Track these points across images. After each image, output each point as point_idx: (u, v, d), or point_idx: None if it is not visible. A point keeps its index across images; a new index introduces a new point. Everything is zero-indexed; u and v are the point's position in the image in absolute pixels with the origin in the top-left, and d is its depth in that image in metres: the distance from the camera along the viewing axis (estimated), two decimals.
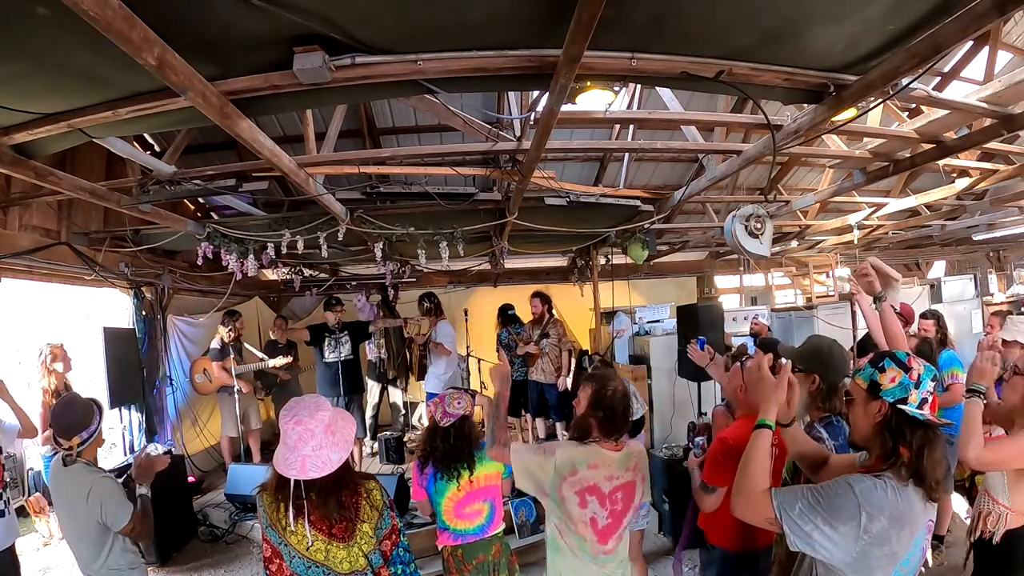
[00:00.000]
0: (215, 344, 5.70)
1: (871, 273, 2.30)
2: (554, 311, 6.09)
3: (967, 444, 2.09)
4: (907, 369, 1.48)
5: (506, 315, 6.14)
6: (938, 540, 3.76)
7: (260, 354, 5.93)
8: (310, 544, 1.63)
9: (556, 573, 2.13)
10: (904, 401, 1.44)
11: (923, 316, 4.37)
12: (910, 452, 1.42)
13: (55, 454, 2.42)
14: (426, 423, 6.29)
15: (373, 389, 6.57)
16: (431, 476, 2.56)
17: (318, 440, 1.62)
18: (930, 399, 1.46)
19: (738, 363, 2.60)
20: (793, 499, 1.46)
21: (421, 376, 6.10)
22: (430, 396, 6.04)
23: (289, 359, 5.82)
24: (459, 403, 2.58)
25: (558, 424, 5.74)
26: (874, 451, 1.53)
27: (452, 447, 2.52)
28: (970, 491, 3.19)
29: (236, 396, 5.56)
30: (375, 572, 1.72)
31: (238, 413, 5.59)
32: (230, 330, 5.64)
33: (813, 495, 1.44)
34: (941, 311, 6.67)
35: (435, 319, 5.97)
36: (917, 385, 1.45)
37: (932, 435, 1.44)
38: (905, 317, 4.20)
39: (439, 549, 2.65)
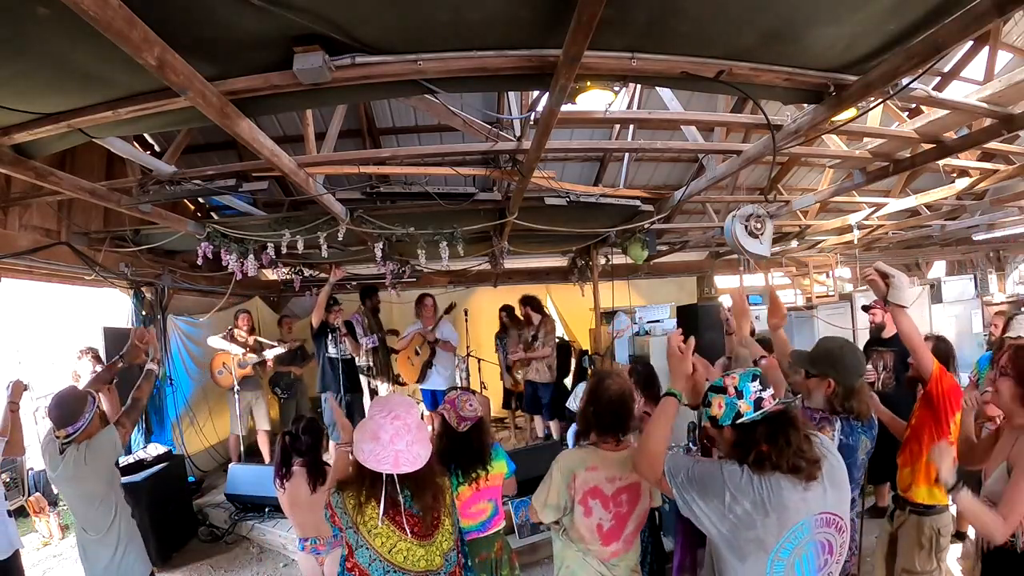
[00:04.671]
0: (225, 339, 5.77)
1: (876, 277, 2.28)
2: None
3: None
4: (724, 390, 1.58)
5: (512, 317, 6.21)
6: (959, 536, 3.72)
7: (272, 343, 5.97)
8: (394, 546, 1.63)
9: (562, 562, 2.20)
10: (739, 416, 1.54)
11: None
12: (765, 444, 1.51)
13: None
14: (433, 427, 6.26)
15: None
16: None
17: (412, 435, 1.66)
18: (764, 396, 1.54)
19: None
20: (679, 468, 1.61)
21: (421, 380, 6.05)
22: (427, 393, 6.02)
23: (293, 344, 5.90)
24: (471, 405, 2.52)
25: (551, 423, 5.81)
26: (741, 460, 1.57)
27: (475, 451, 2.49)
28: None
29: (236, 395, 5.58)
30: (449, 574, 1.74)
31: (238, 412, 5.60)
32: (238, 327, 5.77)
33: (694, 469, 1.58)
34: (940, 311, 6.69)
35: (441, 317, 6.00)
36: (740, 396, 1.55)
37: (778, 423, 1.52)
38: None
39: None
